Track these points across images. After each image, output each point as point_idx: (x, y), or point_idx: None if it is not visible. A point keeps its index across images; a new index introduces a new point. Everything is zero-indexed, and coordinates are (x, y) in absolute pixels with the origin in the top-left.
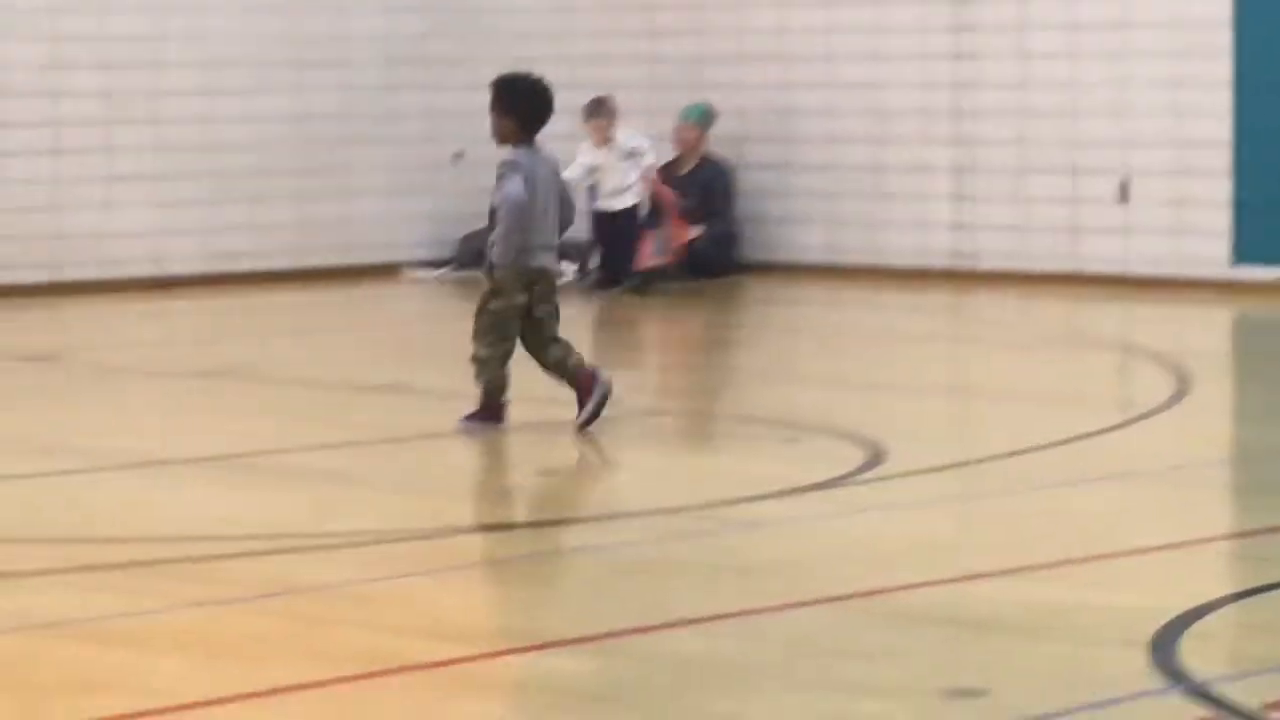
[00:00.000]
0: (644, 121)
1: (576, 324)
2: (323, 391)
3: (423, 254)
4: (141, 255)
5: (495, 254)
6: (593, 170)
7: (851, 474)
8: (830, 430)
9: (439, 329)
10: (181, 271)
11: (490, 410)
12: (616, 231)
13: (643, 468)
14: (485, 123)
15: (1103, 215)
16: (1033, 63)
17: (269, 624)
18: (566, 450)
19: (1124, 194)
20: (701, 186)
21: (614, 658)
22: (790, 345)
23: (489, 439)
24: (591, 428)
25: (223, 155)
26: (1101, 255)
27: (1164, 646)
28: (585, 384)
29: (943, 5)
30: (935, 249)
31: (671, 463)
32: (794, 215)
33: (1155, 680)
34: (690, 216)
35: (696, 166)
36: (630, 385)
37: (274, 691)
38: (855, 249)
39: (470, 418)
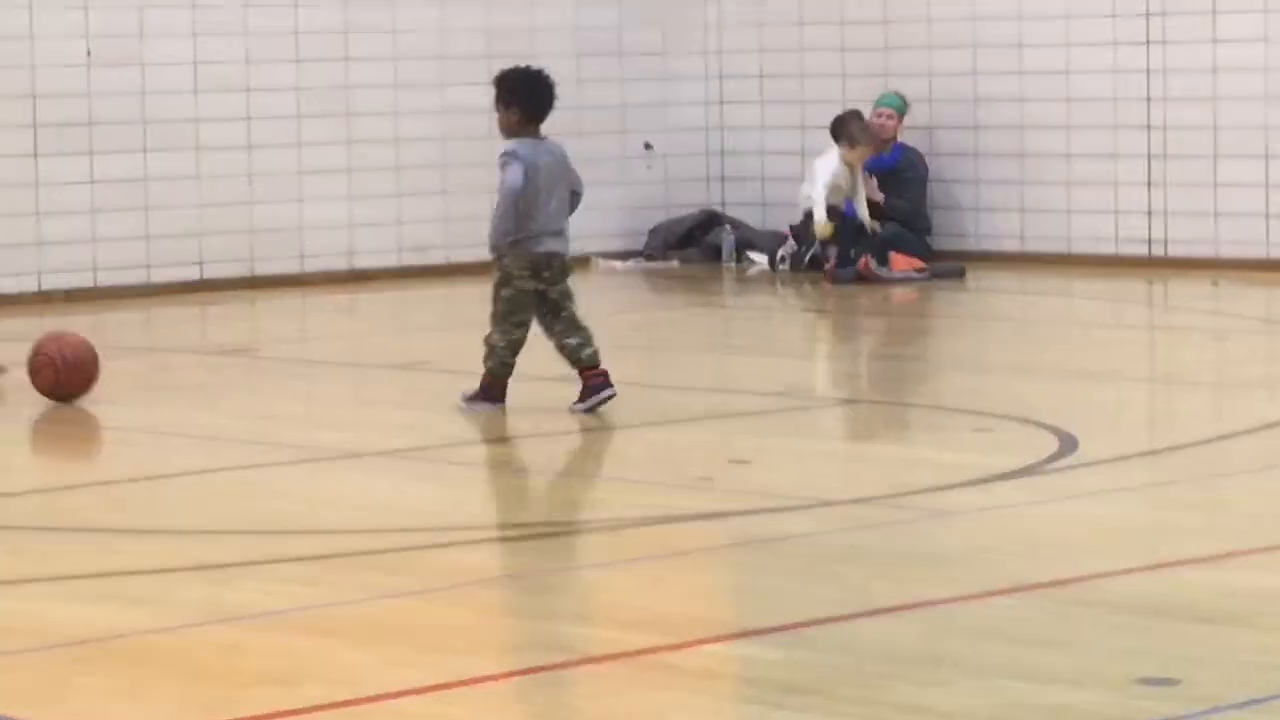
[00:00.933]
0: (836, 110)
1: (770, 311)
2: (513, 383)
3: (614, 245)
4: (334, 249)
5: (489, 237)
6: (838, 187)
7: (1044, 462)
8: (1023, 418)
9: (630, 319)
10: (373, 265)
11: (490, 392)
12: (844, 229)
13: (834, 456)
14: (677, 114)
15: None
16: (1226, 47)
17: (460, 615)
18: (757, 439)
19: None
20: (895, 174)
21: (805, 647)
22: (982, 333)
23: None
24: (584, 410)
25: (412, 148)
26: None
27: None
28: (591, 382)
29: None
30: (1128, 236)
31: (863, 451)
32: (985, 203)
33: None
34: (884, 206)
35: (890, 154)
36: (822, 374)
37: (466, 682)
38: (1047, 237)
39: (471, 397)
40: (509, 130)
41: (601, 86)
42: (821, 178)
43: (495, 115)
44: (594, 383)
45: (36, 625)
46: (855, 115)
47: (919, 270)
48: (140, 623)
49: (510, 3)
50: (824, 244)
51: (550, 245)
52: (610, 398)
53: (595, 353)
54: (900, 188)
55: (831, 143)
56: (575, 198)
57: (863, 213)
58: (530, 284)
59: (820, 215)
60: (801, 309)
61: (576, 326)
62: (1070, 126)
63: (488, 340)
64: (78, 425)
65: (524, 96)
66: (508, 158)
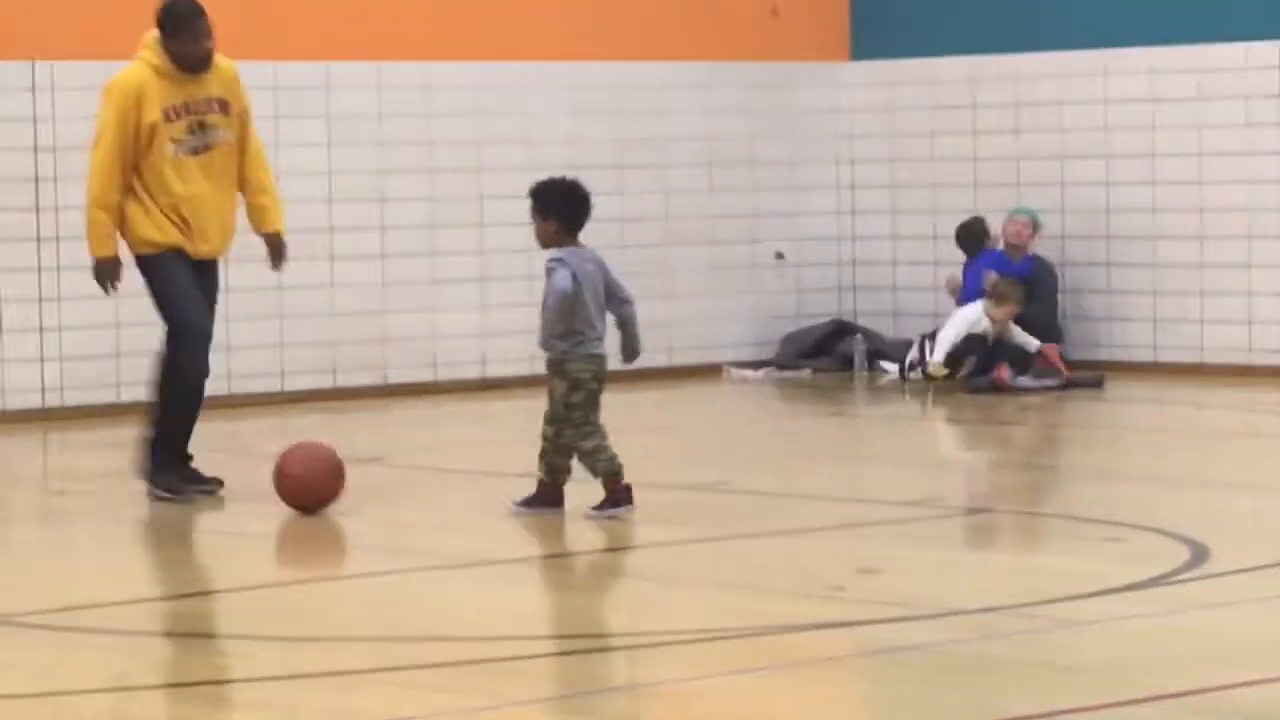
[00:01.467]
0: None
1: (902, 420)
2: (645, 491)
3: (744, 354)
4: (466, 357)
5: (539, 340)
6: (976, 324)
7: (1176, 572)
8: (1155, 529)
9: (761, 428)
10: (505, 373)
11: (615, 495)
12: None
13: (965, 565)
14: (808, 224)
15: None
16: None
17: None
18: (888, 548)
19: None
20: (1026, 284)
21: None
22: (1115, 443)
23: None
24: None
25: (543, 257)
26: None
27: None
28: (616, 493)
29: (1270, 101)
30: (1262, 346)
31: (994, 560)
32: (1118, 313)
33: None
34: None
35: (1023, 262)
36: (954, 483)
37: None
38: (1181, 347)
39: (601, 506)
40: (547, 241)
41: (733, 196)
42: (957, 325)
43: (533, 226)
44: (618, 494)
45: None
46: (981, 225)
47: (1055, 377)
48: None
49: (642, 112)
50: (931, 378)
51: (600, 349)
52: (628, 513)
53: (618, 463)
54: (1032, 297)
55: (961, 255)
56: (627, 306)
57: (1024, 340)
58: (594, 384)
59: (939, 357)
60: (934, 418)
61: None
62: (1203, 237)
63: (583, 452)
64: (206, 532)
65: (561, 208)
66: (555, 264)
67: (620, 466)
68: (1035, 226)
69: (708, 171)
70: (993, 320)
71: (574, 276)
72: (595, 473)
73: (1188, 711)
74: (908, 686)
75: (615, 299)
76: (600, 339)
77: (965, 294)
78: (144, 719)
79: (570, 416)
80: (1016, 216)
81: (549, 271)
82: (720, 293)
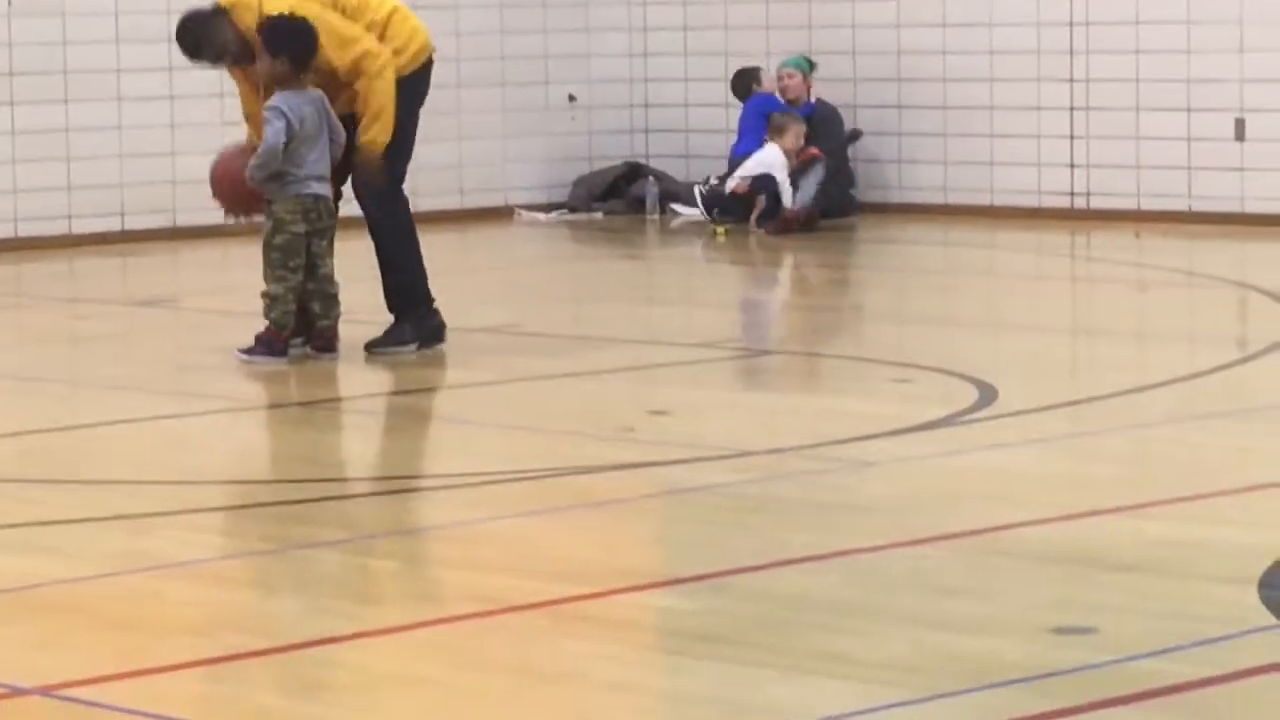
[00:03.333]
0: (758, 63)
1: (693, 263)
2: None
3: (537, 197)
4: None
5: (247, 180)
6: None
7: (964, 412)
8: (943, 369)
9: (552, 271)
10: None
11: (272, 344)
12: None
13: (754, 407)
14: (600, 66)
15: (1219, 153)
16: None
17: (380, 565)
18: (678, 390)
19: (1240, 132)
20: (812, 127)
21: (723, 596)
22: (904, 285)
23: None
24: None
25: None
26: (1217, 194)
27: (1274, 584)
28: (318, 344)
29: None
30: (1051, 189)
31: (783, 402)
32: (908, 155)
33: (1264, 618)
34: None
35: (804, 107)
36: (744, 325)
37: (385, 631)
38: (970, 188)
39: (251, 350)
40: (281, 80)
41: (524, 38)
42: (752, 169)
43: (262, 66)
44: (272, 343)
45: None
46: (753, 72)
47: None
48: (57, 572)
49: None
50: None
51: (316, 189)
52: (267, 364)
53: (332, 326)
54: (819, 141)
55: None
56: (335, 147)
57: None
58: (301, 227)
59: (731, 185)
60: (725, 260)
61: (325, 294)
62: (993, 79)
63: (266, 293)
64: None
65: (295, 45)
66: (270, 113)
67: (289, 321)
68: (805, 73)
69: (499, 13)
70: (787, 154)
71: (287, 128)
72: (265, 315)
73: (973, 551)
74: (696, 526)
75: (331, 143)
76: (320, 178)
77: (739, 136)
78: None
79: (269, 257)
80: (784, 70)
81: (266, 121)
82: (512, 135)
